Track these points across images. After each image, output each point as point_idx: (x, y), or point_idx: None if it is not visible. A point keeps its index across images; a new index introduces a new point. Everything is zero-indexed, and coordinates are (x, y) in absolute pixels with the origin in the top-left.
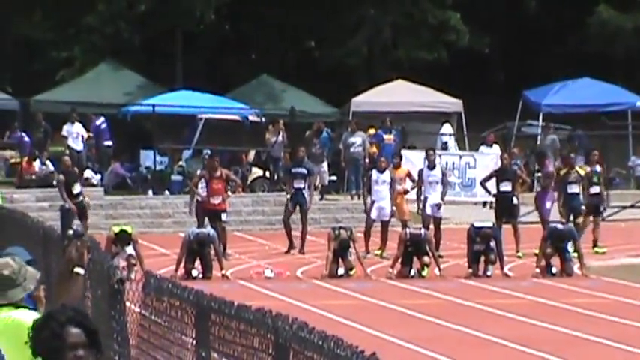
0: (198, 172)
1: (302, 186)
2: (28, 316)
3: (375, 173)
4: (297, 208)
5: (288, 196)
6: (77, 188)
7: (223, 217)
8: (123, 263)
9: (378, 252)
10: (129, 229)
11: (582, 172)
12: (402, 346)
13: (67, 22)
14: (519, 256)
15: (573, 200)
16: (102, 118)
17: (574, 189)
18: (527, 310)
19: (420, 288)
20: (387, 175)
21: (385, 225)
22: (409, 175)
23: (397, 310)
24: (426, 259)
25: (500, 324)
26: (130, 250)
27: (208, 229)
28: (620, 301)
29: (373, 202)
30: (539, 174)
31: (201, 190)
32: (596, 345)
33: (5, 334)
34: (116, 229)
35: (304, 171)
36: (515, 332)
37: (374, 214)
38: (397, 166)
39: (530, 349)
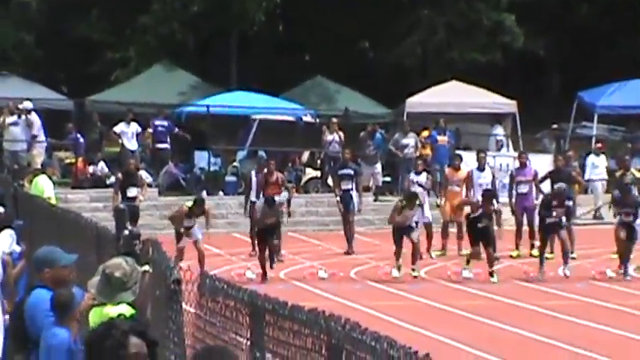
0: (253, 174)
1: (350, 187)
2: (127, 311)
3: (412, 175)
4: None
5: (338, 199)
6: (132, 192)
7: None
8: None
9: (438, 252)
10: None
11: (638, 175)
12: (456, 347)
13: (123, 22)
14: (574, 258)
15: None
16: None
17: None
18: (579, 312)
19: (474, 289)
20: (423, 177)
21: (428, 227)
22: (467, 178)
23: (450, 312)
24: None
25: (554, 325)
26: (198, 234)
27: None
28: None
29: None
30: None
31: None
32: None
33: None
34: (189, 204)
35: (351, 172)
36: (568, 333)
37: None
38: (457, 168)
39: (584, 350)
